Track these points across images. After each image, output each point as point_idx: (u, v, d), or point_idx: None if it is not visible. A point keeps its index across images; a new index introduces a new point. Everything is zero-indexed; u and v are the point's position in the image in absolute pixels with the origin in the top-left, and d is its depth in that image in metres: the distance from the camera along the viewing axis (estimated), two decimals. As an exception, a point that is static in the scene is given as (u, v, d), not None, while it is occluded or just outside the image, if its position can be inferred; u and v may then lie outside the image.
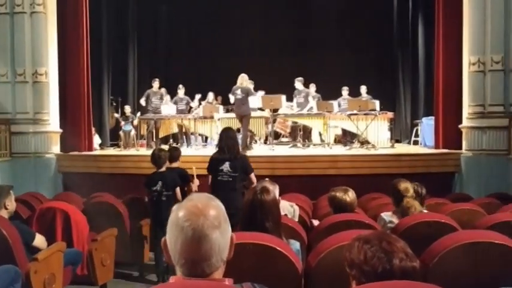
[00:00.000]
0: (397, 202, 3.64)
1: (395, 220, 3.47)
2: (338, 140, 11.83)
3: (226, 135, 5.19)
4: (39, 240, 3.72)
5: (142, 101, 11.11)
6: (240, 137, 8.99)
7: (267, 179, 4.17)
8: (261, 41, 14.11)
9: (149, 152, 9.92)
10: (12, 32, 8.86)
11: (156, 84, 11.14)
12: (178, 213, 1.44)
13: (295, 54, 14.24)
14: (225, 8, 14.18)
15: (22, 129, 8.86)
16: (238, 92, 9.18)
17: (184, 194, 5.33)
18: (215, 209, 1.45)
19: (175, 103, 11.45)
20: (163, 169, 5.40)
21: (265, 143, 11.93)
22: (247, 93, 9.27)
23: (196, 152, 9.97)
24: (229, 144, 5.05)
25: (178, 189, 5.28)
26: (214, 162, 5.09)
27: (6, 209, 3.59)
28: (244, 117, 9.31)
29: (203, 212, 1.42)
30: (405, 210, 3.45)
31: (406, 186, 3.68)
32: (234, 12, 14.20)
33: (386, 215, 3.61)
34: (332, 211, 3.52)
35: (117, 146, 11.88)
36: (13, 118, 8.88)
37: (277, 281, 2.05)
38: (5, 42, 8.85)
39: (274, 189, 3.49)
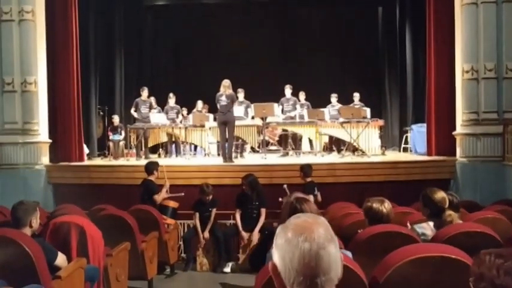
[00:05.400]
0: (433, 214, 3.54)
1: (429, 232, 3.41)
2: (326, 148, 11.86)
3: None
4: (61, 259, 3.57)
5: (133, 111, 10.94)
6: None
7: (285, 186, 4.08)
8: (247, 49, 14.07)
9: (139, 162, 9.91)
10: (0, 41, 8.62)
11: (145, 93, 10.99)
12: (287, 232, 1.39)
13: (282, 61, 14.27)
14: (211, 17, 14.13)
15: (11, 140, 8.61)
16: (223, 98, 9.07)
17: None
18: (324, 223, 1.42)
19: (166, 112, 11.31)
20: None
21: (253, 151, 11.89)
22: (232, 99, 9.18)
23: (188, 162, 9.84)
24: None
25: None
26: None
27: (31, 227, 3.44)
28: (229, 123, 9.15)
29: (315, 226, 1.38)
30: (445, 224, 3.37)
31: (443, 196, 3.57)
32: (220, 20, 14.16)
33: (419, 227, 3.52)
34: (367, 222, 3.46)
35: (104, 155, 11.66)
36: (1, 128, 8.63)
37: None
38: (-8, 50, 8.60)
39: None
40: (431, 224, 3.50)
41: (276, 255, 1.38)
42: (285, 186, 6.76)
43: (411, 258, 2.24)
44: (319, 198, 6.65)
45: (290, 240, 1.35)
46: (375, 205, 3.42)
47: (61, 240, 4.04)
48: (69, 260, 3.80)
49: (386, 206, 3.41)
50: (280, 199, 6.49)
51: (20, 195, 8.30)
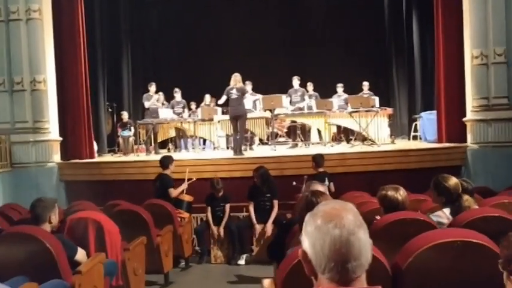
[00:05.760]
0: (448, 201, 3.49)
1: (445, 221, 3.39)
2: (335, 138, 11.84)
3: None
4: (81, 255, 3.61)
5: (147, 104, 10.94)
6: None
7: (313, 181, 4.11)
8: (253, 41, 13.98)
9: (150, 157, 9.95)
10: (8, 40, 8.62)
11: (152, 88, 11.00)
12: (316, 219, 1.40)
13: (288, 52, 14.18)
14: (216, 9, 14.08)
15: (22, 139, 8.63)
16: (234, 91, 9.05)
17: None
18: (353, 209, 1.44)
19: (172, 107, 11.32)
20: None
21: (261, 143, 11.90)
22: (242, 93, 9.18)
23: (198, 156, 9.85)
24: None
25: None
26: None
27: (50, 223, 3.47)
28: (240, 117, 9.15)
29: (344, 212, 1.40)
30: (463, 209, 3.35)
31: (456, 182, 3.53)
32: (225, 12, 14.09)
33: (435, 216, 3.48)
34: (383, 210, 3.47)
35: (114, 152, 11.72)
36: (12, 128, 8.66)
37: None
38: (0, 50, 8.62)
39: (325, 190, 3.44)
40: (446, 211, 3.47)
41: (306, 242, 1.40)
42: (294, 183, 6.75)
43: (433, 244, 2.24)
44: (332, 188, 6.63)
45: (320, 227, 1.37)
46: (390, 193, 3.41)
47: (79, 236, 4.08)
48: (87, 255, 3.84)
49: (401, 194, 3.40)
50: (294, 183, 6.55)
51: (32, 193, 8.34)
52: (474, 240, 2.25)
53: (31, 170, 8.66)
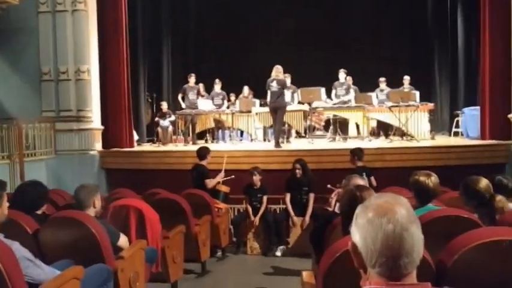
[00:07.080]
0: (481, 203, 3.30)
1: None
2: (373, 133, 11.67)
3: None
4: (123, 241, 3.71)
5: (180, 98, 11.09)
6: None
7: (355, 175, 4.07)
8: (293, 33, 13.95)
9: (188, 147, 10.08)
10: (54, 31, 8.92)
11: (192, 79, 11.11)
12: (367, 213, 1.37)
13: (329, 45, 14.01)
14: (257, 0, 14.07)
15: (66, 127, 8.91)
16: (274, 84, 9.02)
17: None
18: (405, 204, 1.39)
19: (212, 98, 11.42)
20: None
21: (298, 136, 11.85)
22: (283, 85, 9.13)
23: (236, 147, 9.91)
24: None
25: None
26: None
27: (94, 207, 3.58)
28: (279, 109, 9.09)
29: (397, 207, 1.35)
30: (495, 211, 3.23)
31: (487, 183, 3.36)
32: (266, 3, 14.07)
33: None
34: (413, 195, 3.41)
35: (153, 141, 11.91)
36: (57, 116, 8.95)
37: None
38: (47, 40, 8.92)
39: (365, 184, 3.42)
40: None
41: (357, 236, 1.37)
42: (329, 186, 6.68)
43: (480, 242, 2.19)
44: (374, 182, 6.51)
45: (372, 221, 1.34)
46: (422, 178, 3.35)
47: (121, 222, 4.19)
48: (129, 242, 3.93)
49: (432, 180, 3.33)
50: (328, 186, 6.48)
51: (75, 180, 8.59)
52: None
53: (74, 157, 8.92)
